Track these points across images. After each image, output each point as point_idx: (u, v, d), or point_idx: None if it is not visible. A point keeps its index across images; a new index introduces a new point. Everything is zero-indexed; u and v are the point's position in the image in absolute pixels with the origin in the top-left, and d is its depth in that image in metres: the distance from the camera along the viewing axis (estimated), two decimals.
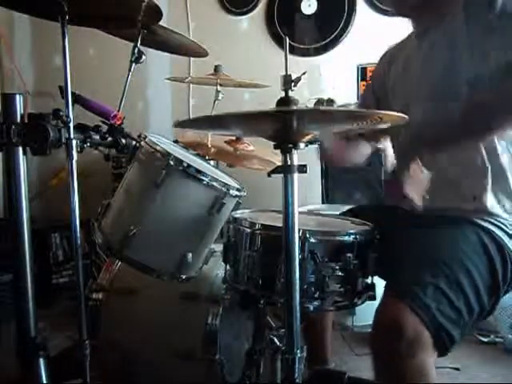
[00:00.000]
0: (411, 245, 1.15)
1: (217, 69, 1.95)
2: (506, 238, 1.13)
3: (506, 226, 1.14)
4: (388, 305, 1.04)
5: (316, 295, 1.09)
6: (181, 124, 0.89)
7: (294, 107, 0.88)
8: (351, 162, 1.52)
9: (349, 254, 1.11)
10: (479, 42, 1.12)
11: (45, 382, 1.27)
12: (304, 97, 2.62)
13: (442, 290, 1.02)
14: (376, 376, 1.05)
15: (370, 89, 1.53)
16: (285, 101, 0.89)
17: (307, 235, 1.07)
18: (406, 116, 0.86)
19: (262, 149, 1.91)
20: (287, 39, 0.95)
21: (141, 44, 1.46)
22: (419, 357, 0.98)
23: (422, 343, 0.98)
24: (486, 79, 1.12)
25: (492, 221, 1.14)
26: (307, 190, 2.55)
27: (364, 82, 2.74)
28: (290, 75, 0.90)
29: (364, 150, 1.51)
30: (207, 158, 1.79)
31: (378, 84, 1.48)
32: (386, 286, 1.12)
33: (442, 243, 1.12)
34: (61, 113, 1.20)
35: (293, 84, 0.90)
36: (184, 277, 1.34)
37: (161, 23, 1.43)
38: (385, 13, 2.69)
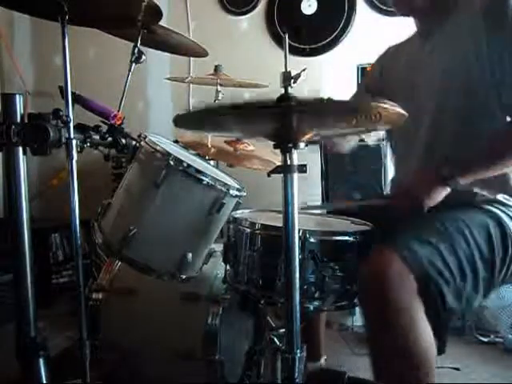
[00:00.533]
0: (411, 219, 1.14)
1: (217, 69, 1.95)
2: (509, 221, 1.13)
3: (509, 209, 1.16)
4: (375, 254, 1.03)
5: (316, 295, 1.09)
6: (179, 119, 0.88)
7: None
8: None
9: (349, 254, 1.11)
10: (487, 47, 1.13)
11: (45, 382, 1.27)
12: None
13: (435, 245, 1.02)
14: (367, 330, 1.04)
15: (363, 89, 1.53)
16: (284, 98, 0.89)
17: (307, 235, 1.07)
18: (406, 113, 0.86)
19: (261, 149, 1.91)
20: (287, 37, 0.95)
21: (141, 44, 1.47)
22: (403, 301, 0.96)
23: (408, 289, 0.96)
24: (488, 83, 1.13)
25: (496, 204, 1.16)
26: (307, 190, 2.54)
27: None
28: (290, 71, 0.90)
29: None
30: (207, 157, 1.79)
31: (375, 84, 1.47)
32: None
33: (441, 213, 1.12)
34: (61, 113, 1.20)
35: (292, 81, 0.90)
36: (184, 277, 1.34)
37: (161, 23, 1.43)
38: (385, 13, 2.69)
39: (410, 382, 0.99)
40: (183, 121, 0.92)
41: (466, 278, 1.04)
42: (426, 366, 0.99)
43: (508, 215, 1.15)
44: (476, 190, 1.18)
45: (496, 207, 1.16)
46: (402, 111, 0.85)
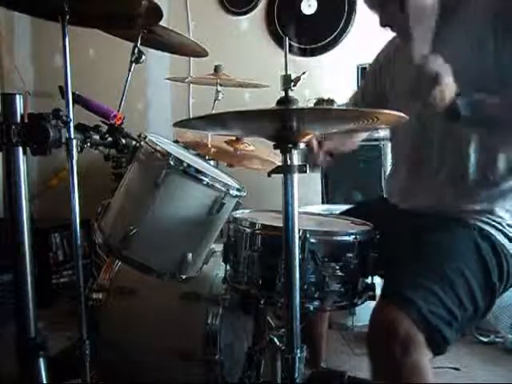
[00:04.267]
0: (405, 247, 1.15)
1: (217, 69, 1.95)
2: (501, 238, 1.13)
3: (501, 225, 1.15)
4: (382, 307, 1.04)
5: (316, 295, 1.09)
6: (180, 124, 0.89)
7: (294, 107, 0.88)
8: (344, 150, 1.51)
9: (349, 254, 1.11)
10: (485, 44, 1.11)
11: (45, 382, 1.27)
12: (304, 97, 2.62)
13: (434, 291, 1.02)
14: (373, 376, 1.05)
15: (359, 96, 1.53)
16: (284, 100, 0.89)
17: (307, 235, 1.07)
18: (405, 116, 0.86)
19: (261, 149, 1.91)
20: (287, 39, 0.95)
21: (141, 44, 1.47)
22: (413, 357, 0.98)
23: (415, 343, 0.98)
24: (489, 82, 1.12)
25: (488, 220, 1.15)
26: (307, 190, 2.55)
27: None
28: (290, 75, 0.90)
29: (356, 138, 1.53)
30: (207, 157, 1.79)
31: (373, 83, 1.47)
32: (382, 288, 1.13)
33: (436, 246, 1.12)
34: (61, 113, 1.20)
35: (292, 84, 0.90)
36: (184, 277, 1.34)
37: (161, 23, 1.43)
38: None
39: None
40: (184, 125, 0.93)
41: (467, 311, 1.05)
42: None
43: (493, 226, 1.14)
44: (462, 204, 1.18)
45: (481, 220, 1.15)
46: (401, 114, 0.85)
